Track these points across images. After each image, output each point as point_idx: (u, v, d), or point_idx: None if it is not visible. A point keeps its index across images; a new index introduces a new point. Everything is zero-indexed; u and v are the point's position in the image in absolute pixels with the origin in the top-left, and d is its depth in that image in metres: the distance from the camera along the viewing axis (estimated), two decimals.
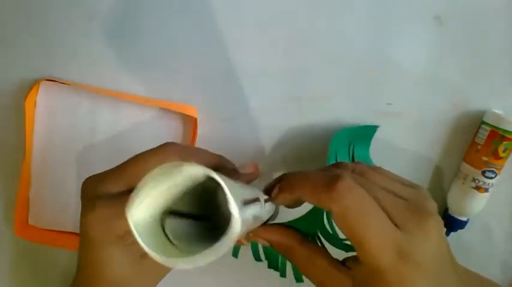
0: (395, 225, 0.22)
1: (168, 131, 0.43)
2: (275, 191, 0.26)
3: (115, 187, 0.26)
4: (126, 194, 0.20)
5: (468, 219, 0.44)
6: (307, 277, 0.26)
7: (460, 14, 0.40)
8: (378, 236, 0.21)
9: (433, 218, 0.22)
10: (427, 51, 0.41)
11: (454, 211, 0.44)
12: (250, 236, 0.28)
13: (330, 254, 0.26)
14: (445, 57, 0.41)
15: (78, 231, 0.44)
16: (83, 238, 0.26)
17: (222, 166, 0.30)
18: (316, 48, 0.41)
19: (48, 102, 0.41)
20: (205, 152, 0.30)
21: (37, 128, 0.42)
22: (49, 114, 0.42)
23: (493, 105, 0.42)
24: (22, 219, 0.43)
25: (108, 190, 0.26)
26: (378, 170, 0.26)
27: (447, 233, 0.45)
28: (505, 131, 0.40)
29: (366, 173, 0.25)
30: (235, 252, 0.40)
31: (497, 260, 0.47)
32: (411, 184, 0.26)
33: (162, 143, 0.27)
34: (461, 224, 0.44)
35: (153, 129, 0.42)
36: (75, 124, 0.42)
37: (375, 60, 0.41)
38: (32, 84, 0.40)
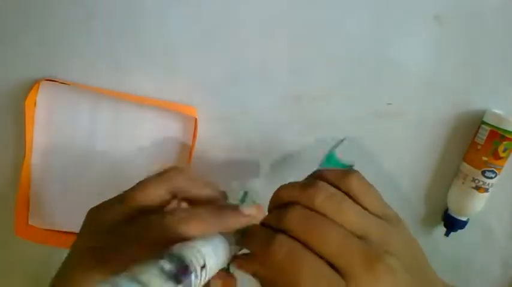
0: (340, 271, 0.22)
1: (168, 131, 0.43)
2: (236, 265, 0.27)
3: (118, 216, 0.28)
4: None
5: (468, 219, 0.44)
6: None
7: (460, 14, 0.40)
8: (311, 285, 0.21)
9: (385, 260, 0.21)
10: (427, 51, 0.41)
11: (454, 211, 0.44)
12: (235, 265, 0.28)
13: None
14: (445, 57, 0.41)
15: (78, 231, 0.44)
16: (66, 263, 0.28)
17: (216, 201, 0.30)
18: (316, 48, 0.41)
19: (48, 102, 0.41)
20: (208, 185, 0.30)
21: (37, 128, 0.42)
22: (49, 114, 0.42)
23: (493, 105, 0.42)
24: (22, 219, 0.43)
25: (112, 220, 0.28)
26: (359, 192, 0.25)
27: (447, 233, 0.45)
28: (505, 131, 0.40)
29: (331, 206, 0.24)
30: None
31: (498, 260, 0.47)
32: (385, 214, 0.25)
33: (167, 167, 0.29)
34: (461, 224, 0.44)
35: (153, 129, 0.42)
36: (75, 124, 0.42)
37: (375, 60, 0.41)
38: (32, 84, 0.40)
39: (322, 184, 0.25)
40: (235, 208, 0.27)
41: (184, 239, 0.24)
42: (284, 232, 0.24)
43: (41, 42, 0.40)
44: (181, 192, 0.29)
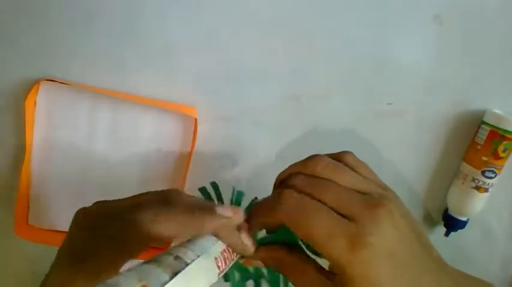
0: (346, 217, 0.23)
1: (168, 131, 0.43)
2: (246, 227, 0.27)
3: (103, 221, 0.28)
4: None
5: (468, 219, 0.44)
6: None
7: (460, 14, 0.40)
8: (323, 230, 0.23)
9: (384, 207, 0.23)
10: (427, 51, 0.41)
11: (454, 211, 0.44)
12: (242, 262, 0.29)
13: (317, 263, 0.27)
14: (445, 57, 0.41)
15: None
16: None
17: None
18: (316, 48, 0.41)
19: (48, 102, 0.41)
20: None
21: (37, 128, 0.42)
22: (49, 114, 0.42)
23: (493, 105, 0.42)
24: (22, 219, 0.43)
25: (96, 224, 0.28)
26: (354, 166, 0.27)
27: (447, 233, 0.45)
28: (505, 131, 0.40)
29: (332, 170, 0.26)
30: None
31: (497, 260, 0.47)
32: (381, 184, 0.27)
33: (166, 189, 0.29)
34: (461, 224, 0.44)
35: (153, 129, 0.42)
36: (75, 124, 0.42)
37: (375, 60, 0.41)
38: (32, 84, 0.40)
39: (321, 155, 0.27)
40: (210, 209, 0.26)
41: (160, 239, 0.24)
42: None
43: (41, 42, 0.40)
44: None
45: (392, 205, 0.24)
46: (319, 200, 0.24)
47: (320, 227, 0.23)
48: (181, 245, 0.23)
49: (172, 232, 0.25)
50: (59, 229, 0.45)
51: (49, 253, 0.46)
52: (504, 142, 0.40)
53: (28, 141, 0.41)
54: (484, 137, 0.41)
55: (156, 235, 0.25)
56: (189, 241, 0.24)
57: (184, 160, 0.43)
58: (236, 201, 0.34)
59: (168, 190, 0.29)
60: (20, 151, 0.42)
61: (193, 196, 0.29)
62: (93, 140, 0.42)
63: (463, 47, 0.41)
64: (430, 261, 0.24)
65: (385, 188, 0.26)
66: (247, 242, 0.27)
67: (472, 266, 0.47)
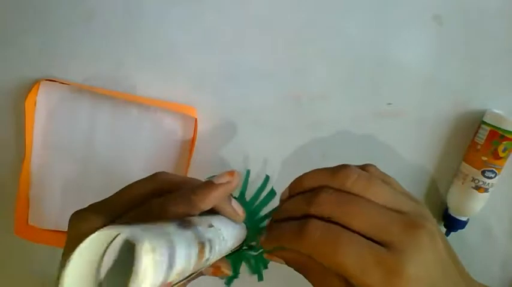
0: (381, 243, 0.22)
1: (168, 131, 0.43)
2: (262, 240, 0.27)
3: (100, 222, 0.26)
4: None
5: (468, 219, 0.44)
6: None
7: (460, 14, 0.40)
8: (356, 263, 0.21)
9: (425, 229, 0.22)
10: (427, 51, 0.41)
11: (454, 211, 0.44)
12: (265, 256, 0.29)
13: None
14: (445, 57, 0.41)
15: None
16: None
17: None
18: (316, 48, 0.41)
19: (48, 102, 0.41)
20: (195, 181, 0.29)
21: (37, 128, 0.42)
22: (49, 114, 0.42)
23: (493, 105, 0.42)
24: (22, 219, 0.43)
25: (93, 226, 0.26)
26: (383, 179, 0.26)
27: (447, 233, 0.45)
28: (505, 131, 0.40)
29: (364, 185, 0.24)
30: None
31: (497, 260, 0.47)
32: (413, 198, 0.25)
33: (153, 172, 0.28)
34: (461, 224, 0.44)
35: (153, 129, 0.42)
36: (75, 124, 0.42)
37: (375, 60, 0.41)
38: (32, 84, 0.40)
39: (351, 166, 0.25)
40: (208, 182, 0.26)
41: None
42: (314, 216, 0.23)
43: (41, 42, 0.40)
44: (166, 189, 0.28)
45: (432, 226, 0.22)
46: (350, 226, 0.22)
47: (352, 260, 0.21)
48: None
49: (180, 215, 0.24)
50: (59, 229, 0.45)
51: (49, 253, 0.46)
52: (504, 142, 0.40)
53: (28, 141, 0.41)
54: (484, 137, 0.41)
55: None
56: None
57: (184, 159, 0.43)
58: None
59: (154, 176, 0.27)
60: (20, 151, 0.42)
61: (178, 175, 0.28)
62: (93, 140, 0.42)
63: (463, 47, 0.41)
64: (464, 285, 0.23)
65: (417, 202, 0.25)
66: (237, 209, 0.27)
67: (472, 266, 0.47)
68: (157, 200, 0.24)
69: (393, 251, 0.21)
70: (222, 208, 0.26)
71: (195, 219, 0.23)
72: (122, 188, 0.27)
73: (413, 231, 0.21)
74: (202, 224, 0.22)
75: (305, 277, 0.27)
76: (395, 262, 0.20)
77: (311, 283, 0.27)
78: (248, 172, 0.36)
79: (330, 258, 0.22)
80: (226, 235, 0.24)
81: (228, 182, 0.25)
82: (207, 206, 0.25)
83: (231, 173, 0.26)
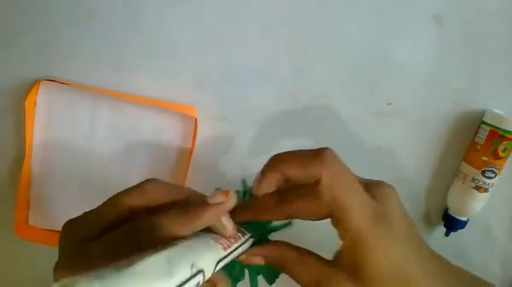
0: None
1: (168, 131, 0.43)
2: (257, 177, 0.27)
3: (90, 233, 0.26)
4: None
5: (468, 219, 0.44)
6: (302, 284, 0.27)
7: (460, 14, 0.40)
8: (360, 203, 0.25)
9: (391, 187, 0.27)
10: (427, 51, 0.41)
11: (454, 211, 0.44)
12: (241, 259, 0.28)
13: (317, 254, 0.27)
14: (445, 57, 0.41)
15: None
16: None
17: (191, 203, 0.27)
18: (316, 48, 0.41)
19: (48, 102, 0.41)
20: (187, 190, 0.29)
21: (37, 128, 0.42)
22: (49, 114, 0.42)
23: (493, 105, 0.42)
24: (22, 219, 0.43)
25: (83, 236, 0.26)
26: None
27: (447, 233, 0.45)
28: (505, 131, 0.40)
29: None
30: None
31: (497, 260, 0.47)
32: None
33: (144, 179, 0.27)
34: (461, 224, 0.44)
35: (153, 129, 0.42)
36: (75, 124, 0.42)
37: (375, 60, 0.41)
38: (32, 84, 0.40)
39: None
40: (202, 201, 0.26)
41: (161, 242, 0.23)
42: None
43: (41, 42, 0.40)
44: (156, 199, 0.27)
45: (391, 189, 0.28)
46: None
47: (359, 202, 0.25)
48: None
49: (176, 233, 0.24)
50: (59, 229, 0.45)
51: (49, 253, 0.46)
52: (504, 142, 0.40)
53: (28, 141, 0.41)
54: (484, 137, 0.41)
55: (159, 240, 0.24)
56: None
57: (184, 159, 0.43)
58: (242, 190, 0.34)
59: (143, 187, 0.27)
60: (20, 151, 0.42)
61: (169, 183, 0.28)
62: (93, 140, 0.42)
63: (463, 47, 0.41)
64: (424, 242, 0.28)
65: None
66: (226, 224, 0.26)
67: (472, 266, 0.47)
68: (148, 220, 0.24)
69: (376, 202, 0.26)
70: (213, 225, 0.26)
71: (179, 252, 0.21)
72: (110, 198, 0.27)
73: (384, 187, 0.28)
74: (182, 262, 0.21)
75: (285, 271, 0.28)
76: (379, 210, 0.25)
77: (290, 275, 0.28)
78: (244, 182, 0.35)
79: (340, 193, 0.25)
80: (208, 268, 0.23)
81: (221, 203, 0.25)
82: (199, 227, 0.25)
83: (226, 193, 0.26)
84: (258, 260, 0.29)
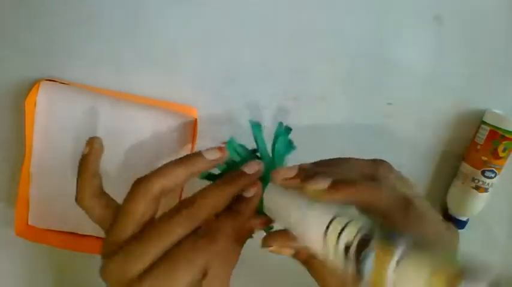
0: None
1: (168, 131, 0.43)
2: (328, 185, 0.27)
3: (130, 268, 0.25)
4: None
5: (468, 219, 0.44)
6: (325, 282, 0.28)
7: (460, 14, 0.40)
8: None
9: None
10: (427, 51, 0.41)
11: (454, 211, 0.44)
12: (270, 250, 0.29)
13: None
14: (445, 57, 0.41)
15: (78, 231, 0.44)
16: None
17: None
18: (316, 48, 0.41)
19: (48, 102, 0.41)
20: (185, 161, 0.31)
21: (37, 128, 0.42)
22: (49, 114, 0.42)
23: (493, 105, 0.42)
24: (22, 219, 0.43)
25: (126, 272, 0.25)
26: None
27: None
28: (505, 131, 0.40)
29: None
30: None
31: (497, 260, 0.47)
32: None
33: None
34: (461, 224, 0.44)
35: (153, 130, 0.42)
36: (75, 124, 0.42)
37: (375, 60, 0.41)
38: (32, 84, 0.40)
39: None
40: (198, 154, 0.30)
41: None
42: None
43: (41, 42, 0.40)
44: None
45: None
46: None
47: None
48: None
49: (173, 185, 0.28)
50: (59, 229, 0.45)
51: (49, 253, 0.46)
52: (504, 142, 0.40)
53: (28, 141, 0.41)
54: (484, 137, 0.41)
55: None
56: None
57: None
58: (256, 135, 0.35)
59: (147, 189, 0.28)
60: (20, 151, 0.42)
61: (160, 172, 0.30)
62: None
63: (463, 47, 0.41)
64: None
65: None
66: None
67: None
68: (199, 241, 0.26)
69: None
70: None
71: None
72: (122, 214, 0.27)
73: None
74: None
75: (309, 271, 0.29)
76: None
77: (314, 277, 0.28)
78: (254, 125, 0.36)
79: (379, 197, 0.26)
80: None
81: (217, 159, 0.31)
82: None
83: (221, 149, 0.31)
84: (288, 252, 0.29)
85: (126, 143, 0.43)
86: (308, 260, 0.29)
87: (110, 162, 0.43)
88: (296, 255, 0.29)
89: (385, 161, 0.31)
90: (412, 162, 0.45)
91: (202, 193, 0.28)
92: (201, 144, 0.42)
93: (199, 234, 0.26)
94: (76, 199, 0.30)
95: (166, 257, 0.25)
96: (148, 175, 0.28)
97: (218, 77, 0.41)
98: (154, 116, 0.42)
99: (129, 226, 0.26)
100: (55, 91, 0.41)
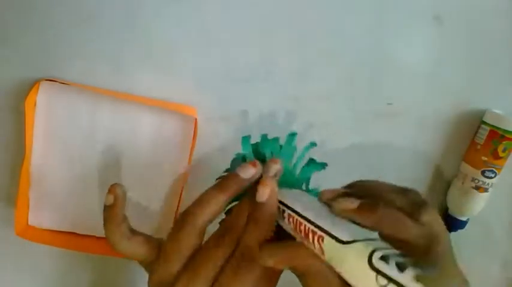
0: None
1: (168, 131, 0.43)
2: (355, 205, 0.27)
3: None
4: None
5: (468, 219, 0.44)
6: None
7: (460, 14, 0.40)
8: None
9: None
10: (427, 51, 0.41)
11: (454, 211, 0.44)
12: (272, 263, 0.28)
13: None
14: (445, 57, 0.41)
15: (78, 231, 0.44)
16: None
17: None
18: (316, 48, 0.41)
19: (48, 102, 0.41)
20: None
21: (37, 128, 0.42)
22: (49, 114, 0.42)
23: (493, 105, 0.42)
24: (22, 219, 0.43)
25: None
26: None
27: None
28: (505, 130, 0.40)
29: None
30: None
31: (497, 260, 0.47)
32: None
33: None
34: (461, 224, 0.44)
35: (153, 130, 0.42)
36: (75, 124, 0.42)
37: (375, 60, 0.41)
38: (32, 84, 0.40)
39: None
40: (235, 175, 0.31)
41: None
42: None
43: (41, 42, 0.40)
44: None
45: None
46: None
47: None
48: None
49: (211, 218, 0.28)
50: (59, 229, 0.45)
51: (49, 253, 0.46)
52: (504, 142, 0.40)
53: (28, 141, 0.41)
54: (484, 137, 0.41)
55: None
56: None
57: (184, 160, 0.43)
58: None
59: (193, 220, 0.29)
60: (20, 151, 0.42)
61: (200, 203, 0.30)
62: (93, 140, 0.42)
63: (463, 47, 0.41)
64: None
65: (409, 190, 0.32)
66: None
67: (472, 266, 0.47)
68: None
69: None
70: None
71: None
72: (170, 252, 0.28)
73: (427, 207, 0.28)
74: None
75: (308, 281, 0.27)
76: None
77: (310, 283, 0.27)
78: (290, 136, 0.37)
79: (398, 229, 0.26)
80: None
81: (253, 175, 0.31)
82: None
83: (254, 163, 0.31)
84: (283, 267, 0.28)
85: (126, 143, 0.43)
86: (304, 273, 0.27)
87: (109, 162, 0.43)
88: (291, 268, 0.28)
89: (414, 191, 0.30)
90: (412, 162, 0.45)
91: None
92: (201, 144, 0.43)
93: (237, 256, 0.27)
94: (111, 246, 0.30)
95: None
96: (191, 208, 0.28)
97: (218, 77, 0.41)
98: (154, 116, 0.42)
99: (177, 263, 0.28)
100: (55, 91, 0.41)
